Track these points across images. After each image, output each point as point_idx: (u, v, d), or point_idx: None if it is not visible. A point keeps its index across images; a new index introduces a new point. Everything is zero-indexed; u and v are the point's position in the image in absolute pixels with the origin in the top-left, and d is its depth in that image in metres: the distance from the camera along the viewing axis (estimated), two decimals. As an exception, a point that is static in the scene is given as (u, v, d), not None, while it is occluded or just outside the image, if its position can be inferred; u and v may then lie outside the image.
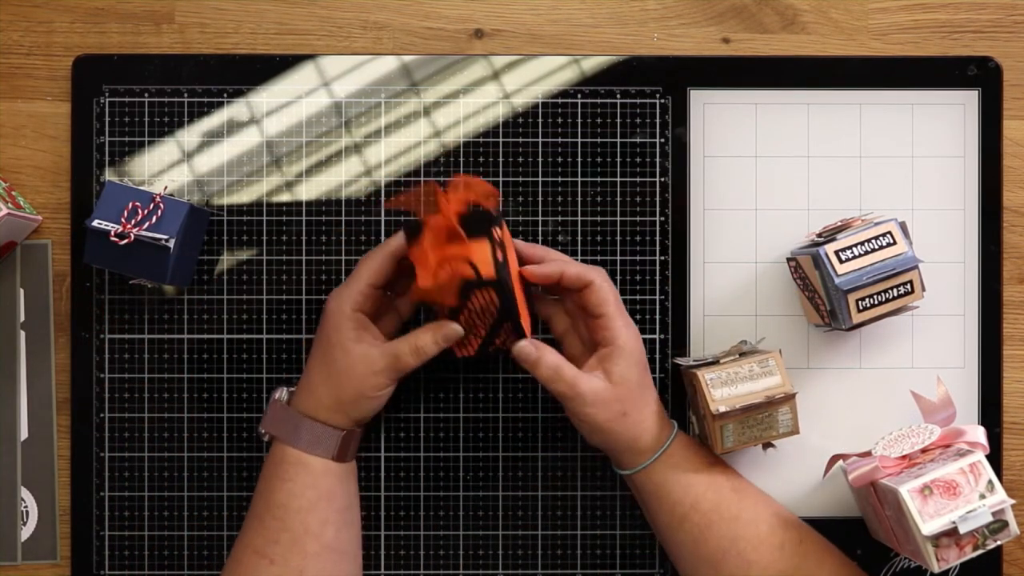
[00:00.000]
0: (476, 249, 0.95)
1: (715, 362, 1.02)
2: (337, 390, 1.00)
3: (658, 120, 1.09)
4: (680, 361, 1.06)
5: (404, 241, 0.99)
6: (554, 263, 1.01)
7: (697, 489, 1.01)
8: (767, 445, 1.03)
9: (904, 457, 1.01)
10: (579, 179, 1.09)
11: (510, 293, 0.96)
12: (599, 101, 1.09)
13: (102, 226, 1.01)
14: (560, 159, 1.09)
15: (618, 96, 1.09)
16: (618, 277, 1.09)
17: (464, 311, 0.98)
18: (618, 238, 1.09)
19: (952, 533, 0.94)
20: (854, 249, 1.01)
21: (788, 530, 1.02)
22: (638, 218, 1.09)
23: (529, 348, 0.99)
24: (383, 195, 1.09)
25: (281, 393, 1.04)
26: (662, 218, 1.09)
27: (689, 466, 1.02)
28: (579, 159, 1.09)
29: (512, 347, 1.00)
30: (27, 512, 1.09)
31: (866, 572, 1.03)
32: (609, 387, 1.00)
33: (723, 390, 1.00)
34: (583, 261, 1.09)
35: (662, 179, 1.10)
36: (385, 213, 1.09)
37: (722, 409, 0.99)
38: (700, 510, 1.01)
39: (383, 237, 1.09)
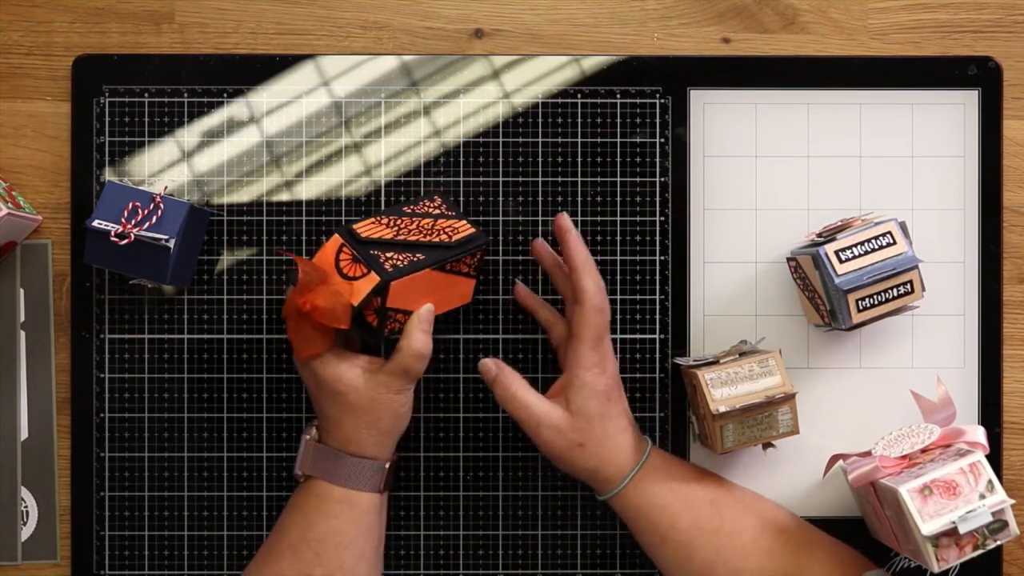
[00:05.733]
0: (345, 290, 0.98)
1: (715, 362, 1.02)
2: (376, 424, 1.00)
3: (658, 120, 1.09)
4: (680, 361, 1.06)
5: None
6: (579, 260, 1.00)
7: (673, 509, 1.01)
8: (767, 445, 1.03)
9: (904, 457, 1.01)
10: (579, 179, 1.09)
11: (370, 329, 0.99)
12: (599, 101, 1.09)
13: (102, 226, 1.01)
14: (560, 159, 1.09)
15: (618, 96, 1.09)
16: (618, 277, 1.09)
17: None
18: (618, 238, 1.09)
19: (952, 533, 0.94)
20: (854, 249, 1.01)
21: (774, 532, 1.02)
22: (638, 218, 1.09)
23: (489, 365, 1.02)
24: (383, 194, 1.09)
25: (313, 433, 1.03)
26: (662, 218, 1.09)
27: (662, 488, 1.02)
28: (579, 159, 1.09)
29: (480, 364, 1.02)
30: (27, 512, 1.09)
31: (863, 554, 1.03)
32: (566, 416, 1.01)
33: (723, 390, 1.00)
34: (583, 261, 1.09)
35: (662, 179, 1.09)
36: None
37: (722, 409, 0.99)
38: (679, 529, 1.01)
39: (383, 237, 1.09)
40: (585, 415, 1.00)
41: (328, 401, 1.00)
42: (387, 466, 1.02)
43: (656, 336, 1.09)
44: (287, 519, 1.02)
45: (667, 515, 1.01)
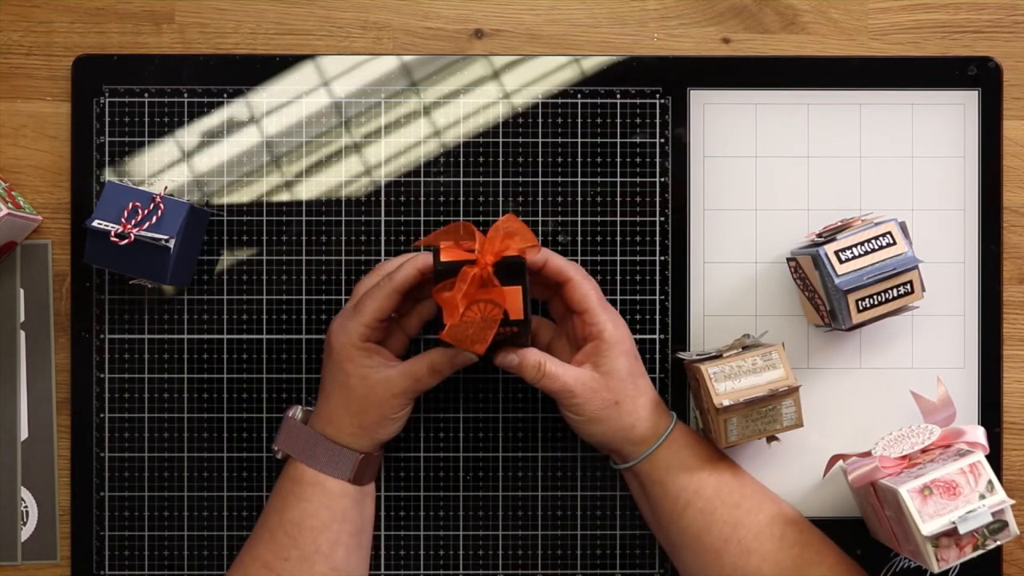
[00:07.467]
0: (509, 295, 0.94)
1: (718, 356, 1.02)
2: (360, 416, 1.00)
3: (658, 120, 1.09)
4: (683, 355, 1.05)
5: (411, 275, 0.98)
6: (540, 255, 1.00)
7: (700, 475, 1.01)
8: (771, 438, 1.03)
9: (904, 457, 1.01)
10: (579, 179, 1.09)
11: (529, 324, 0.96)
12: (599, 101, 1.09)
13: (102, 226, 1.01)
14: (560, 159, 1.09)
15: (618, 96, 1.09)
16: (618, 277, 1.09)
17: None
18: (618, 238, 1.09)
19: (952, 533, 0.94)
20: (854, 249, 1.01)
21: (788, 521, 1.02)
22: (638, 218, 1.09)
23: (511, 355, 1.00)
24: (383, 194, 1.09)
25: (295, 412, 1.04)
26: (662, 218, 1.09)
27: (691, 453, 1.02)
28: (579, 159, 1.09)
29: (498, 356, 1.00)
30: (27, 512, 1.08)
31: (865, 571, 1.03)
32: (597, 377, 1.00)
33: (726, 384, 1.00)
34: (583, 262, 1.09)
35: (662, 179, 1.10)
36: (386, 213, 1.09)
37: (726, 403, 0.99)
38: (703, 496, 1.01)
39: (383, 237, 1.09)
40: (616, 373, 1.00)
41: (329, 374, 1.01)
42: (359, 458, 1.01)
43: (656, 336, 1.09)
44: (268, 503, 1.03)
45: (695, 480, 1.01)
